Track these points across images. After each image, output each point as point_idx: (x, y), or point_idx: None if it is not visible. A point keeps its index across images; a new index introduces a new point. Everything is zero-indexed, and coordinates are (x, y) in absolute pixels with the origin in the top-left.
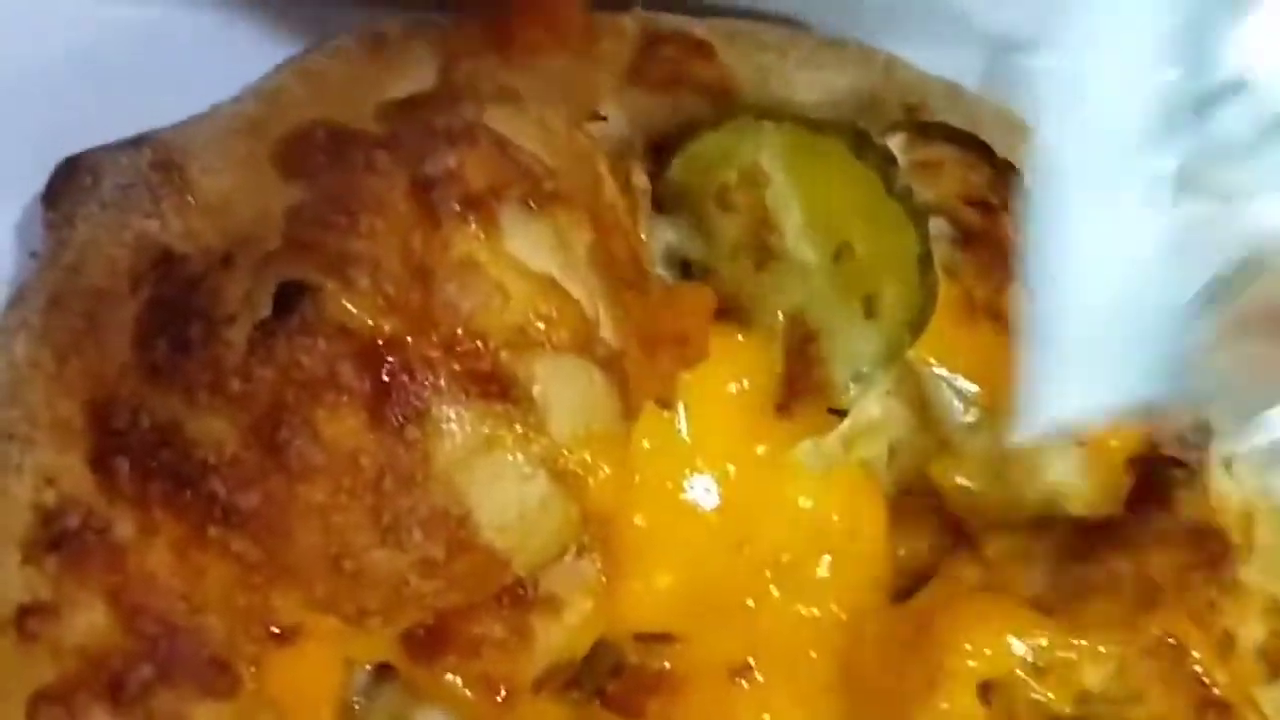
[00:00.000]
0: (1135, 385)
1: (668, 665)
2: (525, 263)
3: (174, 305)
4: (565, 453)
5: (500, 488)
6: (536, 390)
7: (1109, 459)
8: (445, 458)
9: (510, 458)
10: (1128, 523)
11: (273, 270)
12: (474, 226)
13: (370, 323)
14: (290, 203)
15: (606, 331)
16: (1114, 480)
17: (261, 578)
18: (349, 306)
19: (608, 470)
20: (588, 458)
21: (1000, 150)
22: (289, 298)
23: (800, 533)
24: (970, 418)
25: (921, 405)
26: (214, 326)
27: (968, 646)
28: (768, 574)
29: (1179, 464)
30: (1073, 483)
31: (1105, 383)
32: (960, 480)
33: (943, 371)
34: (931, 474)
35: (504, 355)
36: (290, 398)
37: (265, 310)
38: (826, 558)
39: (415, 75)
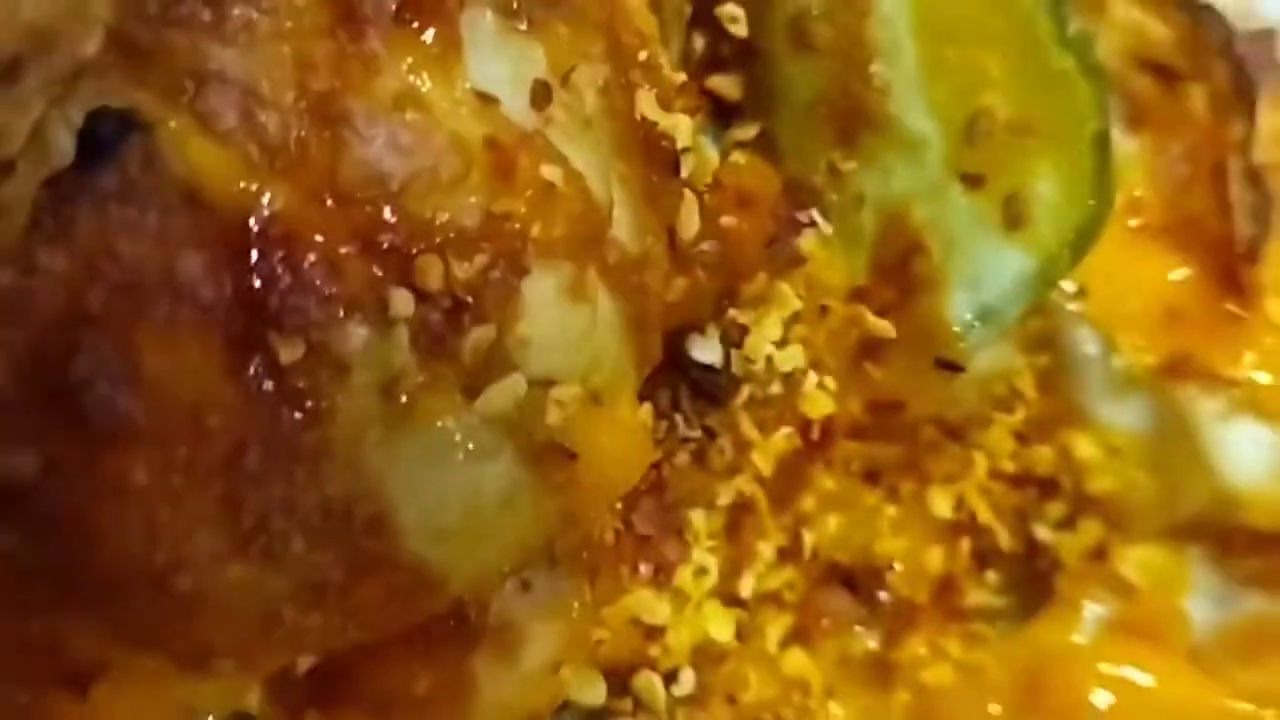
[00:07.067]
0: None
1: None
2: (500, 107)
3: None
4: (548, 418)
5: (438, 473)
6: (506, 318)
7: None
8: (351, 424)
9: (455, 427)
10: None
11: (82, 90)
12: (422, 40)
13: (238, 188)
14: None
15: (623, 229)
16: None
17: (43, 595)
18: (203, 158)
19: (614, 442)
20: (583, 425)
21: None
22: (105, 138)
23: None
24: (1122, 380)
25: (1051, 356)
26: None
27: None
28: None
29: None
30: (1260, 481)
31: None
32: (1096, 460)
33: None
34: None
35: (455, 260)
36: (96, 306)
37: (64, 156)
38: None
39: None
